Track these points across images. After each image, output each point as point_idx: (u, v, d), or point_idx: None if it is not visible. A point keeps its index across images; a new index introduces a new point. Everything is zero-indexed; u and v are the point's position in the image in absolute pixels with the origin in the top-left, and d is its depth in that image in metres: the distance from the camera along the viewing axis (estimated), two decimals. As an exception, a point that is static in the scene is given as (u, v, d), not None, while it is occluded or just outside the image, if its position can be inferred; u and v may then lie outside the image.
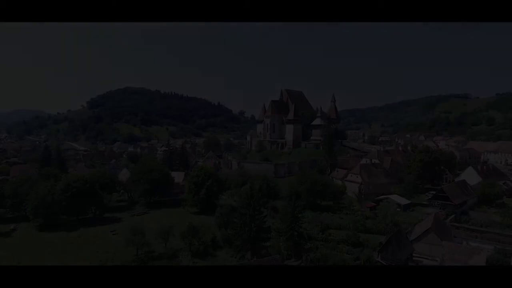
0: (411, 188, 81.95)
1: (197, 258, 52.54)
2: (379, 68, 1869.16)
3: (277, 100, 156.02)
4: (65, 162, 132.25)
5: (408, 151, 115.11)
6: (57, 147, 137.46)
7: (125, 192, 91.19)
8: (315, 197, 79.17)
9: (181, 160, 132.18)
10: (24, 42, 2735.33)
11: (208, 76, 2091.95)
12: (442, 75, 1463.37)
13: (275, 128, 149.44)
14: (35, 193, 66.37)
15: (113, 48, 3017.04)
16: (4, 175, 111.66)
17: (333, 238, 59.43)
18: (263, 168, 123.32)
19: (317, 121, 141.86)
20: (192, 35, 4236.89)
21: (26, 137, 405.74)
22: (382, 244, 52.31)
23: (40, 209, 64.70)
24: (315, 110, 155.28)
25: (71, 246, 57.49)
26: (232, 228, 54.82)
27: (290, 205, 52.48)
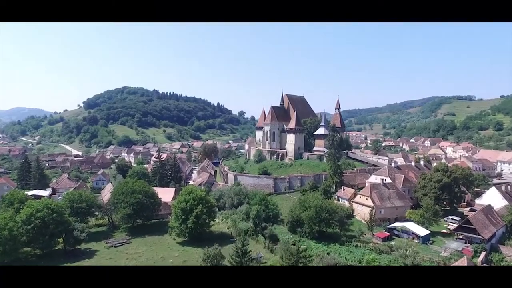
0: (430, 215, 71.47)
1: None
2: (379, 68, 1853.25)
3: (278, 106, 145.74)
4: (45, 175, 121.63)
5: (421, 166, 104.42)
6: (36, 159, 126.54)
7: (105, 216, 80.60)
8: (319, 226, 68.90)
9: (173, 172, 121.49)
10: (25, 41, 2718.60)
11: (207, 75, 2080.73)
12: (444, 75, 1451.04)
13: (275, 136, 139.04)
14: (-10, 225, 56.12)
15: (113, 47, 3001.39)
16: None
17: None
18: (261, 183, 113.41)
19: (320, 131, 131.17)
20: (192, 34, 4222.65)
21: (20, 138, 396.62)
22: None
23: (-6, 245, 54.38)
24: (318, 117, 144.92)
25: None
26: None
27: (294, 253, 42.15)
